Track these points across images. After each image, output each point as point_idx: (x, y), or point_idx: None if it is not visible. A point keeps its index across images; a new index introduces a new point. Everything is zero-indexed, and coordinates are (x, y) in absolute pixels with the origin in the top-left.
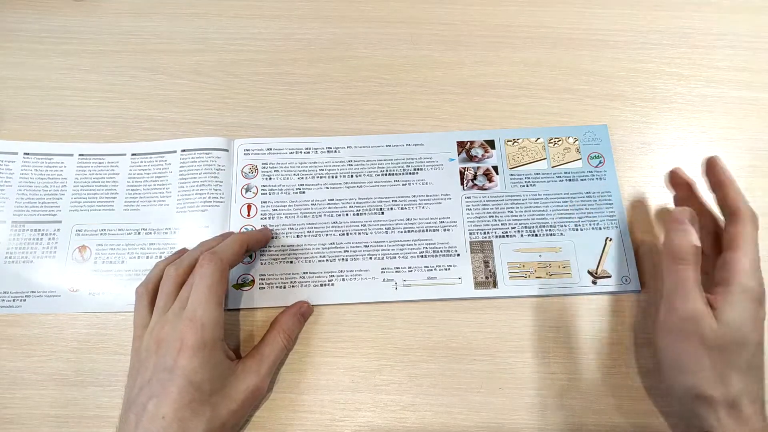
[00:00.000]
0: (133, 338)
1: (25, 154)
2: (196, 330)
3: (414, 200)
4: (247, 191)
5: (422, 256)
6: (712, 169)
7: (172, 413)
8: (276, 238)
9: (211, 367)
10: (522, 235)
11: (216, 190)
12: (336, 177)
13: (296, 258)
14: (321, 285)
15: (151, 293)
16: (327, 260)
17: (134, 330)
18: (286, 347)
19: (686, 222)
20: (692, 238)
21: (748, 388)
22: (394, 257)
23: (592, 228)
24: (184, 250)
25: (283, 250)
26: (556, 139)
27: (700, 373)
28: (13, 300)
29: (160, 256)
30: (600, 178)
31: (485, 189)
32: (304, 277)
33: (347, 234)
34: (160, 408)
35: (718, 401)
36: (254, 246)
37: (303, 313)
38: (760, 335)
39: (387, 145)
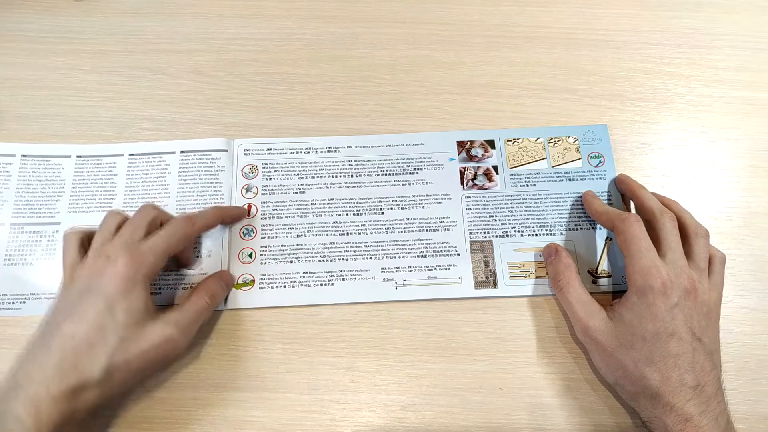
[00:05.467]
0: (62, 277)
1: (23, 156)
2: (134, 263)
3: (414, 200)
4: (247, 191)
5: (422, 256)
6: (622, 183)
7: (82, 334)
8: (276, 238)
9: (133, 300)
10: (522, 235)
11: (216, 191)
12: (336, 177)
13: (296, 258)
14: (321, 285)
15: (81, 239)
16: (327, 260)
17: (63, 270)
18: (209, 306)
19: (552, 254)
20: (561, 264)
21: (666, 376)
22: (394, 257)
23: (592, 228)
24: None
25: (283, 250)
26: (556, 139)
27: (615, 373)
28: (13, 302)
29: None
30: (600, 178)
31: (485, 189)
32: (304, 277)
33: (347, 234)
34: (74, 327)
35: (640, 394)
36: (228, 221)
37: (225, 281)
38: (666, 325)
39: (387, 145)
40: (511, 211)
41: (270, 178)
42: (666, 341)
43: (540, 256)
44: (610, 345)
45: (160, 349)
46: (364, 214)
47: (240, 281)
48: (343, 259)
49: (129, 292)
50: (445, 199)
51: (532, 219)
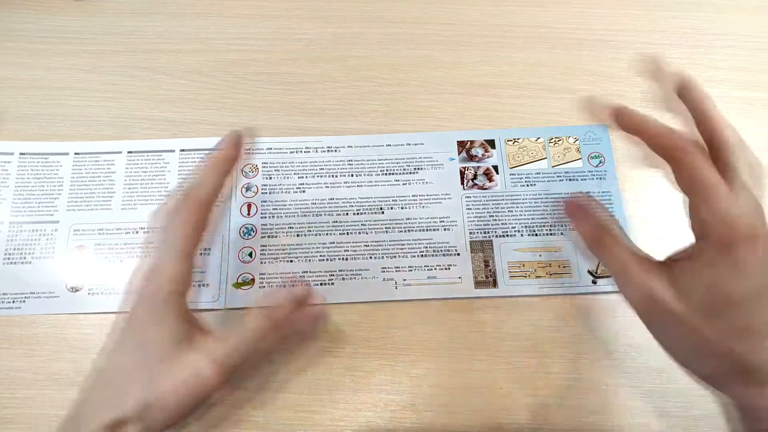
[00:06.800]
0: None
1: (21, 154)
2: (150, 279)
3: (414, 200)
4: (247, 190)
5: (422, 256)
6: (686, 91)
7: (121, 367)
8: (276, 237)
9: (164, 326)
10: (522, 235)
11: None
12: (336, 176)
13: (296, 257)
14: (321, 284)
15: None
16: (327, 259)
17: None
18: (262, 337)
19: (578, 210)
20: (592, 220)
21: (762, 348)
22: (394, 257)
23: None
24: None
25: (283, 249)
26: (557, 139)
27: (690, 348)
28: (13, 301)
29: None
30: (600, 178)
31: (485, 188)
32: (304, 276)
33: (347, 233)
34: (117, 359)
35: (724, 374)
36: (230, 167)
37: (315, 316)
38: (761, 284)
39: (387, 145)
40: (511, 211)
41: (270, 177)
42: (761, 305)
43: (540, 256)
44: (682, 312)
45: (191, 384)
46: (364, 213)
47: (239, 280)
48: (343, 258)
49: (154, 314)
50: (445, 198)
51: (532, 219)
